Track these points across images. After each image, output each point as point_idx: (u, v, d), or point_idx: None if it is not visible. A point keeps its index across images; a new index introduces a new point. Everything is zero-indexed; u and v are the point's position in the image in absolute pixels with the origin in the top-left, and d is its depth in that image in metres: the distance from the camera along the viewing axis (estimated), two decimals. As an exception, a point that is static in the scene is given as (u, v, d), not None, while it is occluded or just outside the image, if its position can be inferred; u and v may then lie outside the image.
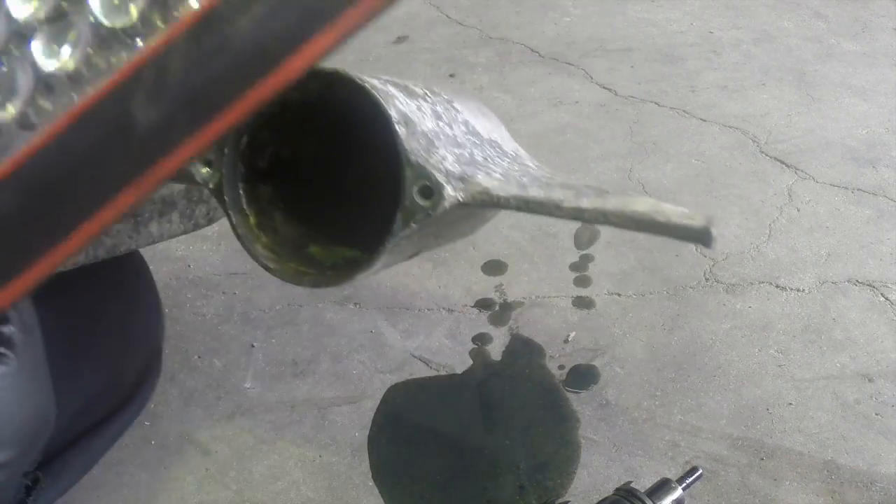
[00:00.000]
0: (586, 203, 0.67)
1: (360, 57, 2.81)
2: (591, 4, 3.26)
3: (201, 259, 1.95)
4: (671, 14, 3.19)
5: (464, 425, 1.53)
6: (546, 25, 3.09)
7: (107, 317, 1.09)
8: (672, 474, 1.29)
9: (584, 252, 1.95)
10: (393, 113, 0.65)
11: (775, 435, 1.49)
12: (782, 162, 2.27)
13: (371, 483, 1.43)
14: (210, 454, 1.47)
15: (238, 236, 0.68)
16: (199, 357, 1.68)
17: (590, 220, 0.69)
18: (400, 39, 2.93)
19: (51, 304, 0.88)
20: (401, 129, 0.65)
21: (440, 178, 0.65)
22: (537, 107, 2.56)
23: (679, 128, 2.45)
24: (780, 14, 3.16)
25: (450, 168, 0.67)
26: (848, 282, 1.85)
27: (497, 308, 1.80)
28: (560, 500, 1.38)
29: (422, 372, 1.65)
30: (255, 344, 1.73)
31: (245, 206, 0.68)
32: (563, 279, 1.87)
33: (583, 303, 1.81)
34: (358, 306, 1.82)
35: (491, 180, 0.68)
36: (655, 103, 2.56)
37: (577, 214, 0.68)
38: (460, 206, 0.66)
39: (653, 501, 1.16)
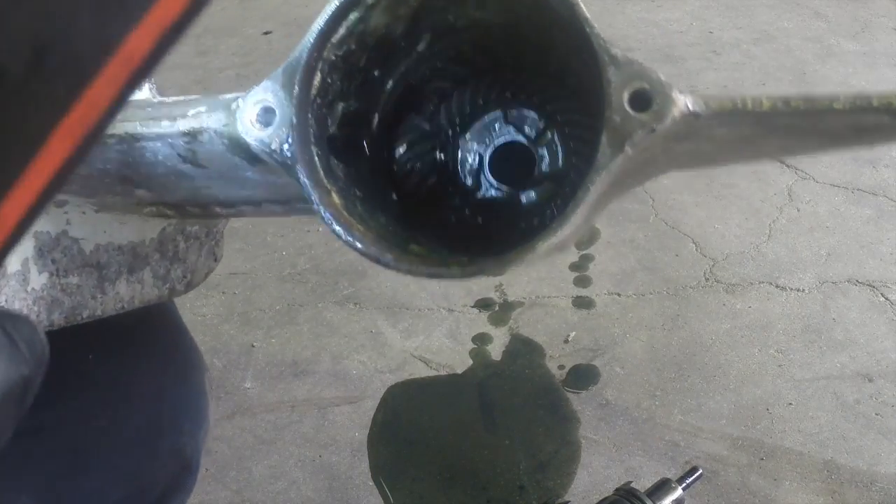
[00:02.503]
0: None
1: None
2: (590, 4, 3.22)
3: (201, 259, 1.95)
4: (671, 14, 3.19)
5: (464, 425, 1.53)
6: (546, 25, 3.09)
7: (131, 417, 0.86)
8: (672, 474, 1.29)
9: (584, 252, 1.95)
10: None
11: (775, 435, 1.49)
12: (782, 162, 2.27)
13: (371, 483, 1.43)
14: (210, 454, 1.47)
15: (324, 220, 0.48)
16: (199, 357, 1.68)
17: (855, 112, 0.46)
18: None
19: (64, 400, 0.74)
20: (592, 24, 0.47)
21: (659, 77, 0.46)
22: (537, 107, 2.56)
23: (679, 128, 2.45)
24: (780, 14, 3.16)
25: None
26: (848, 282, 1.84)
27: (497, 308, 1.80)
28: (560, 500, 1.38)
29: (422, 372, 1.65)
30: (255, 344, 1.73)
31: (324, 178, 0.49)
32: (563, 279, 1.87)
33: (583, 303, 1.81)
34: (358, 306, 1.82)
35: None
36: (655, 103, 2.55)
37: (853, 108, 0.46)
38: (692, 119, 0.46)
39: (653, 501, 1.16)
